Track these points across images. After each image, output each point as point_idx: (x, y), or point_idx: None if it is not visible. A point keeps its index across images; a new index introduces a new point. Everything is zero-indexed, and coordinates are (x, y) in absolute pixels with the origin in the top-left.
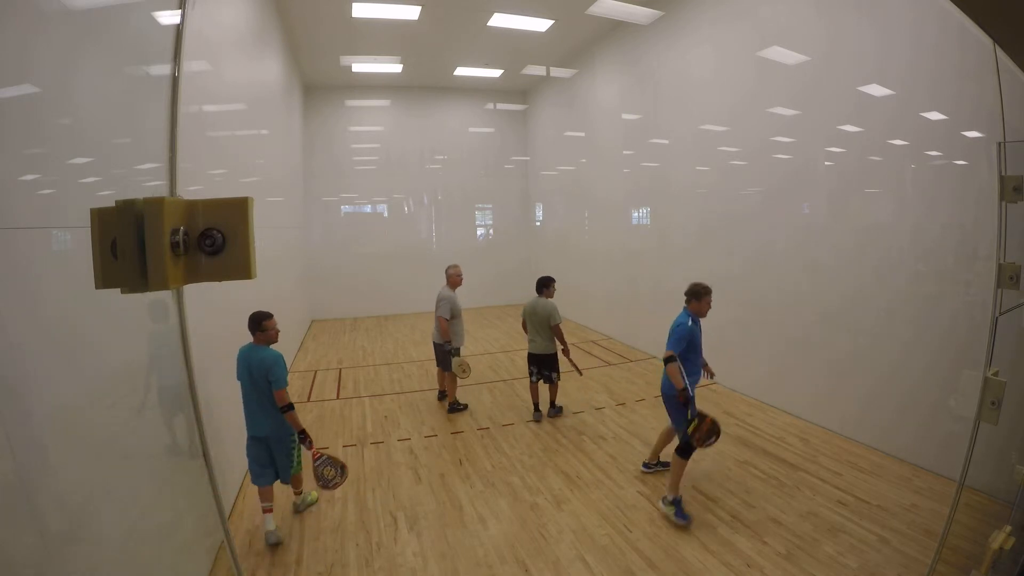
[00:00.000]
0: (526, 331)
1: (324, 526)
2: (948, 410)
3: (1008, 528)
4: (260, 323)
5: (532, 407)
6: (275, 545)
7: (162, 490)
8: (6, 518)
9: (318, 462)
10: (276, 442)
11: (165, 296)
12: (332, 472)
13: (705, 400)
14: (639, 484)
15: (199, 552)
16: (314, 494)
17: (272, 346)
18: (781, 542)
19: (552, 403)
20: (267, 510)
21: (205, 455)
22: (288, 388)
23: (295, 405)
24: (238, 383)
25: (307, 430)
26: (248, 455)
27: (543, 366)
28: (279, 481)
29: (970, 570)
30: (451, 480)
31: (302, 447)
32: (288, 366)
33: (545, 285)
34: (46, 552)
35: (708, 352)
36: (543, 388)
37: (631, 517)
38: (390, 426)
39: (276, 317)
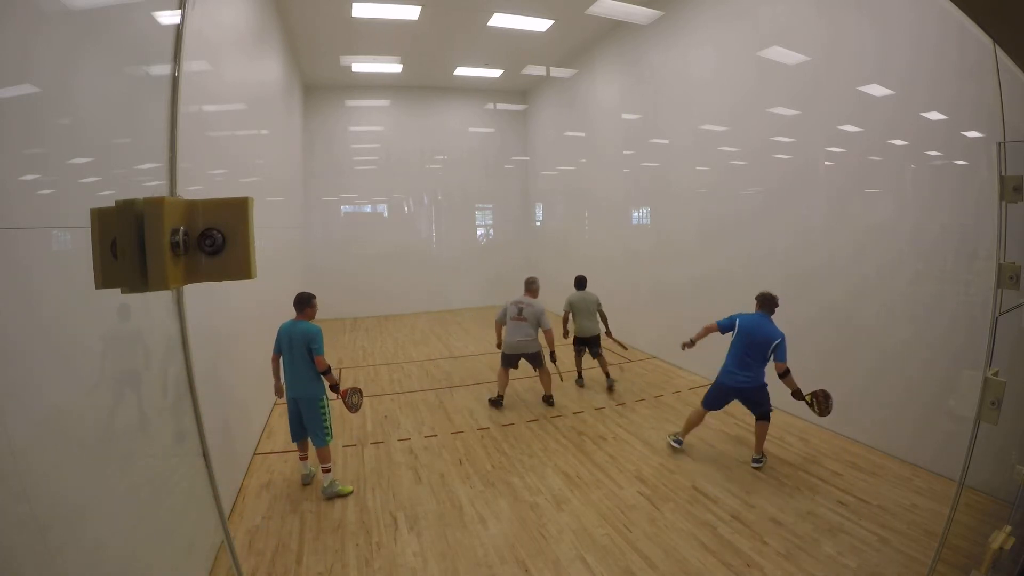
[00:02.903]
0: (567, 322)
1: (324, 526)
2: (948, 410)
3: (1008, 528)
4: (310, 301)
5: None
6: (307, 485)
7: (162, 490)
8: (6, 518)
9: (347, 398)
10: (304, 403)
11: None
12: (357, 398)
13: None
14: (639, 484)
15: (199, 552)
16: (349, 487)
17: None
18: (781, 542)
19: (607, 375)
20: (302, 458)
21: (205, 455)
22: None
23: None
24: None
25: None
26: (288, 414)
27: (592, 344)
28: (313, 445)
29: (970, 570)
30: (451, 480)
31: (330, 415)
32: None
33: (585, 281)
34: (46, 552)
35: (708, 350)
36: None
37: (631, 517)
38: (390, 426)
39: (276, 317)
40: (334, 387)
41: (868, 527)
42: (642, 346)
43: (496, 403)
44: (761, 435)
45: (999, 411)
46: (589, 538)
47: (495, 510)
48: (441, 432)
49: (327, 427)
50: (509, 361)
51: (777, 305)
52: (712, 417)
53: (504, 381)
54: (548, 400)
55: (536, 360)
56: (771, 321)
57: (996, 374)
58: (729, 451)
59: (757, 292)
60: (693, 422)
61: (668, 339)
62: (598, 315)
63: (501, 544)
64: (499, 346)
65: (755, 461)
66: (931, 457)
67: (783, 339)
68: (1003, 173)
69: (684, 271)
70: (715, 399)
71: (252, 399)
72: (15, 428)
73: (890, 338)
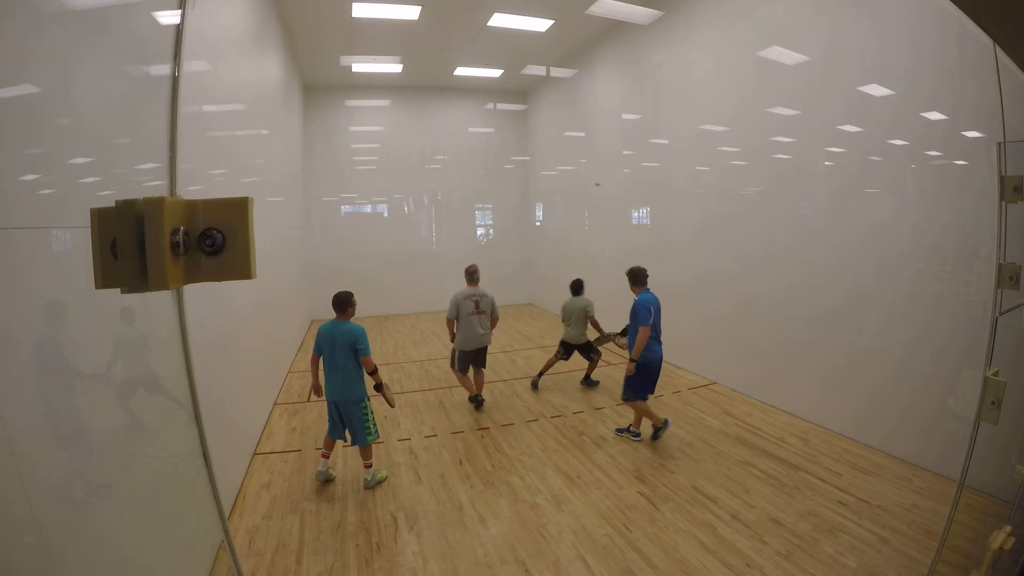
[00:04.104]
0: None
1: (324, 526)
2: (948, 410)
3: (1008, 528)
4: (349, 300)
5: (536, 375)
6: (325, 482)
7: (162, 490)
8: (6, 518)
9: (384, 392)
10: (344, 405)
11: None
12: (389, 392)
13: (706, 400)
14: (639, 484)
15: (199, 552)
16: (383, 473)
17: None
18: (781, 542)
19: (588, 375)
20: (324, 456)
21: (205, 455)
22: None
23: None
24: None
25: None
26: (328, 413)
27: (583, 351)
28: (353, 444)
29: (970, 570)
30: (451, 480)
31: (374, 415)
32: (288, 366)
33: (581, 285)
34: (46, 552)
35: (708, 350)
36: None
37: (631, 517)
38: (390, 426)
39: (276, 317)
40: (378, 386)
41: (868, 527)
42: None
43: (476, 400)
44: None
45: (999, 411)
46: (589, 538)
47: (495, 510)
48: (441, 432)
49: (369, 428)
50: (468, 361)
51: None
52: (712, 418)
53: (470, 382)
54: (478, 401)
55: (484, 357)
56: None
57: (996, 374)
58: (729, 451)
59: (757, 292)
60: (646, 414)
61: (668, 339)
62: (588, 322)
63: (501, 544)
64: (453, 340)
65: (656, 431)
66: (931, 457)
67: None
68: (1003, 173)
69: (684, 271)
70: (650, 382)
71: (252, 399)
72: (15, 428)
73: (890, 338)
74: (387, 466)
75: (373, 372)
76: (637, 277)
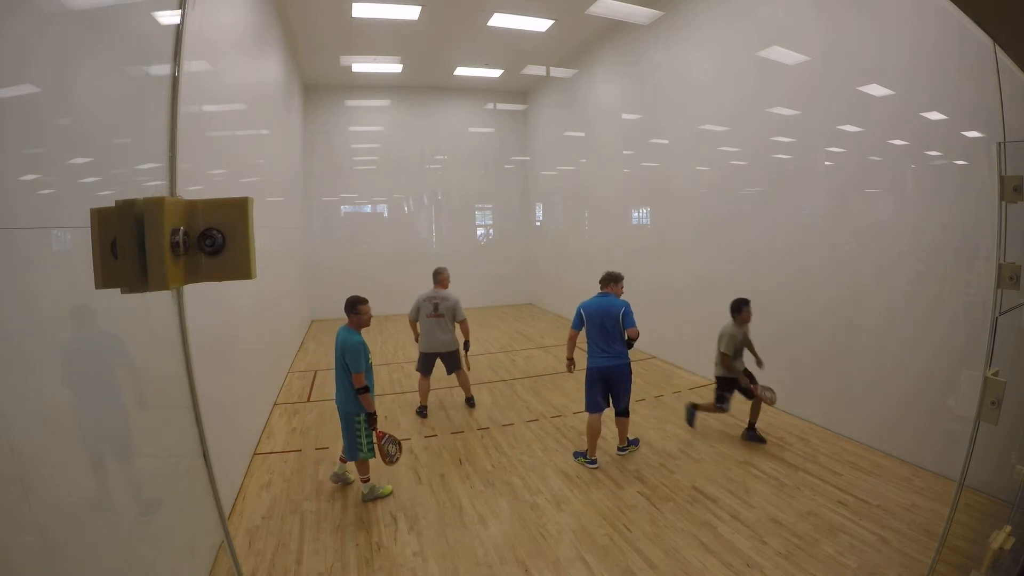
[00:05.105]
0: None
1: (324, 526)
2: (948, 410)
3: (1008, 528)
4: (355, 307)
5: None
6: (335, 483)
7: (162, 490)
8: (6, 518)
9: (384, 441)
10: (342, 416)
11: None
12: (394, 448)
13: (705, 399)
14: (639, 484)
15: (199, 552)
16: (388, 488)
17: (363, 331)
18: (781, 542)
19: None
20: (342, 459)
21: (205, 455)
22: (364, 372)
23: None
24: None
25: (374, 414)
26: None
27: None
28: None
29: (970, 570)
30: (451, 480)
31: (370, 434)
32: (288, 366)
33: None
34: (46, 552)
35: (708, 350)
36: None
37: (631, 517)
38: (390, 426)
39: (276, 317)
40: (370, 417)
41: (868, 527)
42: (641, 346)
43: (421, 412)
44: (624, 428)
45: (999, 411)
46: (589, 538)
47: (495, 510)
48: (441, 432)
49: (360, 444)
50: (427, 364)
51: (618, 280)
52: (713, 418)
53: (426, 389)
54: (470, 402)
55: (453, 361)
56: (614, 296)
57: (996, 374)
58: (729, 451)
59: (757, 292)
60: (594, 434)
61: (668, 339)
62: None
63: (501, 544)
64: (417, 340)
65: (620, 449)
66: (931, 457)
67: (628, 306)
68: (1003, 173)
69: (684, 271)
70: (594, 394)
71: (252, 399)
72: (15, 428)
73: (890, 338)
74: (387, 466)
75: (360, 391)
76: (601, 280)
